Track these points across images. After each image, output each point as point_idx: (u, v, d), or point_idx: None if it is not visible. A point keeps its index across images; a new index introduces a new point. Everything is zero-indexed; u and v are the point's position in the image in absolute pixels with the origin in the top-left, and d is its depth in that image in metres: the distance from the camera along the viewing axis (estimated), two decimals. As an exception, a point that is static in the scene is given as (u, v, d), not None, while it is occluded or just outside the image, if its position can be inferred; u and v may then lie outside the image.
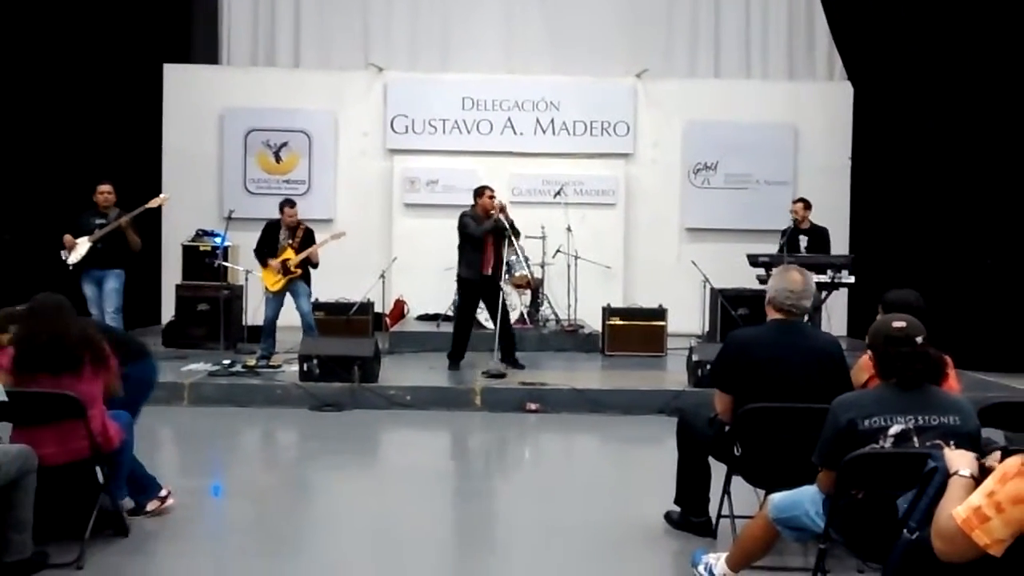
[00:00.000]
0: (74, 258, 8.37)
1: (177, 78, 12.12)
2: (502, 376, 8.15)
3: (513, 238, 8.47)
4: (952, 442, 3.02)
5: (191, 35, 12.57)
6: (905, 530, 2.79)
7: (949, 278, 9.28)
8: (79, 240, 8.39)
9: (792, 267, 4.26)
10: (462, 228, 8.44)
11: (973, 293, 9.25)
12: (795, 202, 10.05)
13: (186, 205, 11.36)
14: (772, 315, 4.14)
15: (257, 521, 4.89)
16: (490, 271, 8.47)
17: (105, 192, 8.57)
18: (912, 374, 3.17)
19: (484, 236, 8.36)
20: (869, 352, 3.40)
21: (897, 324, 3.23)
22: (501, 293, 8.59)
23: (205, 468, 6.22)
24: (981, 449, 3.03)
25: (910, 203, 10.21)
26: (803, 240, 9.80)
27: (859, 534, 3.20)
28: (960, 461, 2.75)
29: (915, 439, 3.10)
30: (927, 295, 4.23)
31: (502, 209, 8.45)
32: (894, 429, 3.12)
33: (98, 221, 8.47)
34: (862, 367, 4.05)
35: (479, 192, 8.62)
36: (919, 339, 3.19)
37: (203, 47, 12.64)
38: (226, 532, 4.77)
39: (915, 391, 3.18)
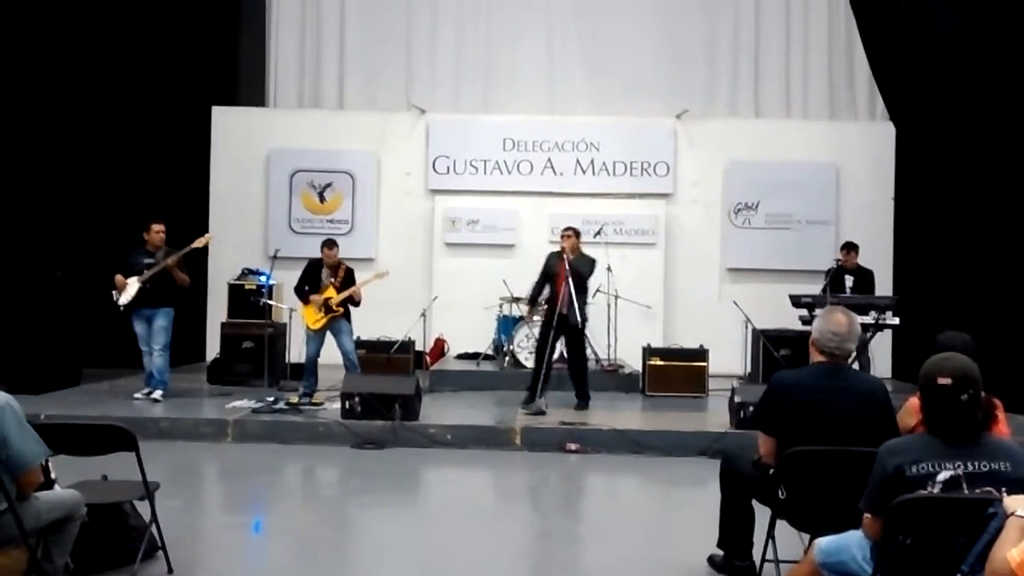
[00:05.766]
0: (124, 299, 8.55)
1: (225, 120, 12.41)
2: (542, 414, 8.15)
3: (572, 279, 8.47)
4: (1004, 489, 2.97)
5: (238, 78, 12.87)
6: (958, 574, 2.75)
7: (996, 318, 9.11)
8: (129, 280, 8.56)
9: (837, 309, 4.22)
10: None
11: (1022, 333, 9.07)
12: (842, 250, 10.14)
13: (232, 244, 11.58)
14: (816, 357, 4.11)
15: (299, 558, 4.91)
16: (565, 310, 8.40)
17: (160, 231, 8.75)
18: (956, 431, 3.10)
19: (558, 275, 8.55)
20: (920, 395, 3.30)
21: (943, 381, 3.09)
22: (574, 333, 8.69)
23: (248, 504, 6.27)
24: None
25: (954, 242, 10.08)
26: (849, 280, 9.74)
27: (908, 580, 3.14)
28: (1018, 503, 2.73)
29: (964, 486, 3.04)
30: (974, 335, 4.16)
31: (573, 249, 8.61)
32: (943, 476, 3.07)
33: (147, 261, 8.64)
34: (910, 410, 3.98)
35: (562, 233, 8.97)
36: (964, 396, 3.07)
37: (250, 90, 12.94)
38: (269, 569, 4.80)
39: (964, 438, 3.12)
